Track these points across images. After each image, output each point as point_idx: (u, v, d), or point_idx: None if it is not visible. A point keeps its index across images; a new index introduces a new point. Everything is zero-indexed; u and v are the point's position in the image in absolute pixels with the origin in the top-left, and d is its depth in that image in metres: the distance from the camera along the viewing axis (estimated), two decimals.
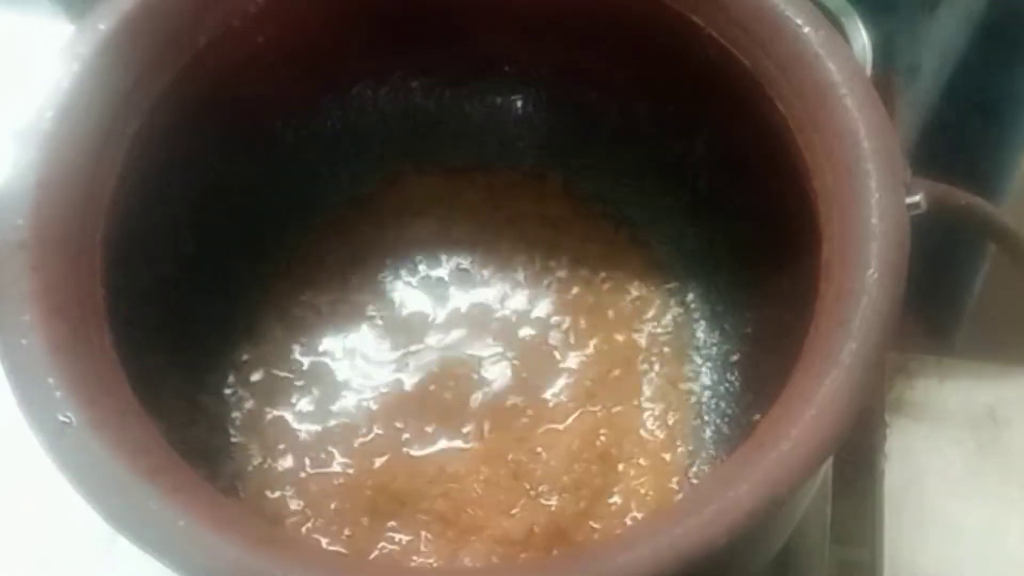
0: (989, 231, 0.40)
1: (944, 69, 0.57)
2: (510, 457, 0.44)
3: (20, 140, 0.35)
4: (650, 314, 0.47)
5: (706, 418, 0.45)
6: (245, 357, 0.46)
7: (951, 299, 0.71)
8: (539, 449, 0.44)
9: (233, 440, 0.44)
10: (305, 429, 0.44)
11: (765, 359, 0.42)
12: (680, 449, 0.44)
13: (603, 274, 0.48)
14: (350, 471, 0.43)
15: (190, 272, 0.43)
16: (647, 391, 0.45)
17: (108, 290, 0.35)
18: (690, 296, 0.47)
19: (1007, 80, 0.60)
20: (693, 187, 0.47)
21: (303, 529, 0.42)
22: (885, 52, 0.48)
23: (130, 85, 0.38)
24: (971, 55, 0.57)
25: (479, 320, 0.47)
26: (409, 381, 0.45)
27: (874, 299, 0.33)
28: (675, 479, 0.43)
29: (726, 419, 0.44)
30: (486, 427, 0.44)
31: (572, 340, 0.46)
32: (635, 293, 0.47)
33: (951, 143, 0.61)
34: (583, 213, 0.49)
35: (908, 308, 0.33)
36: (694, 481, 0.43)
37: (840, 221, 0.35)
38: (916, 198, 0.36)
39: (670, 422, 0.45)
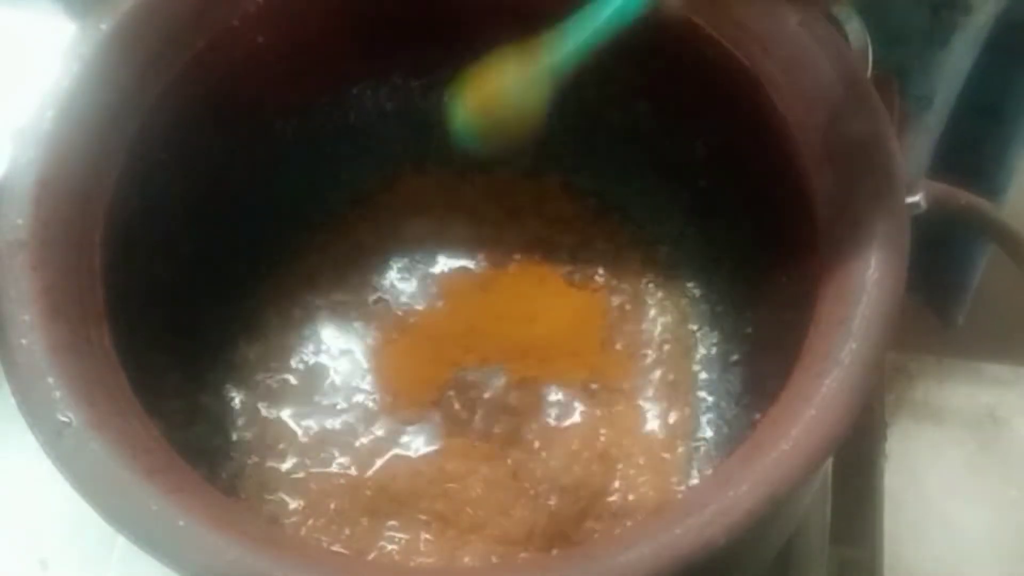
0: (989, 231, 0.40)
1: (953, 91, 0.58)
2: (510, 457, 0.44)
3: (21, 139, 0.35)
4: (650, 314, 0.47)
5: (706, 418, 0.45)
6: (245, 357, 0.46)
7: (954, 278, 0.72)
8: (539, 449, 0.44)
9: (233, 440, 0.44)
10: (305, 429, 0.44)
11: (765, 359, 0.42)
12: (680, 449, 0.44)
13: (603, 273, 0.48)
14: (350, 471, 0.43)
15: (190, 272, 0.43)
16: (647, 391, 0.45)
17: (108, 290, 0.35)
18: (690, 296, 0.47)
19: (1006, 83, 0.61)
20: (693, 187, 0.47)
21: (303, 529, 0.42)
22: (887, 82, 0.48)
23: (130, 85, 0.38)
24: (973, 68, 0.58)
25: (478, 319, 0.47)
26: (409, 381, 0.45)
27: (874, 299, 0.33)
28: (675, 479, 0.43)
29: (726, 419, 0.44)
30: (486, 427, 0.44)
31: (571, 340, 0.46)
32: (635, 292, 0.47)
33: (956, 148, 0.62)
34: (582, 212, 0.49)
35: (912, 290, 0.33)
36: (694, 481, 0.43)
37: (840, 221, 0.35)
38: (916, 198, 0.36)
39: (670, 422, 0.45)
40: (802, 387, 0.33)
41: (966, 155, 0.63)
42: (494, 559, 0.42)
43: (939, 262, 0.67)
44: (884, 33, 0.40)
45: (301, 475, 0.43)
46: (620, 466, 0.44)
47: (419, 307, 0.47)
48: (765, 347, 0.43)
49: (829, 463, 0.45)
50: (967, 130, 0.62)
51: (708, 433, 0.44)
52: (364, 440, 0.44)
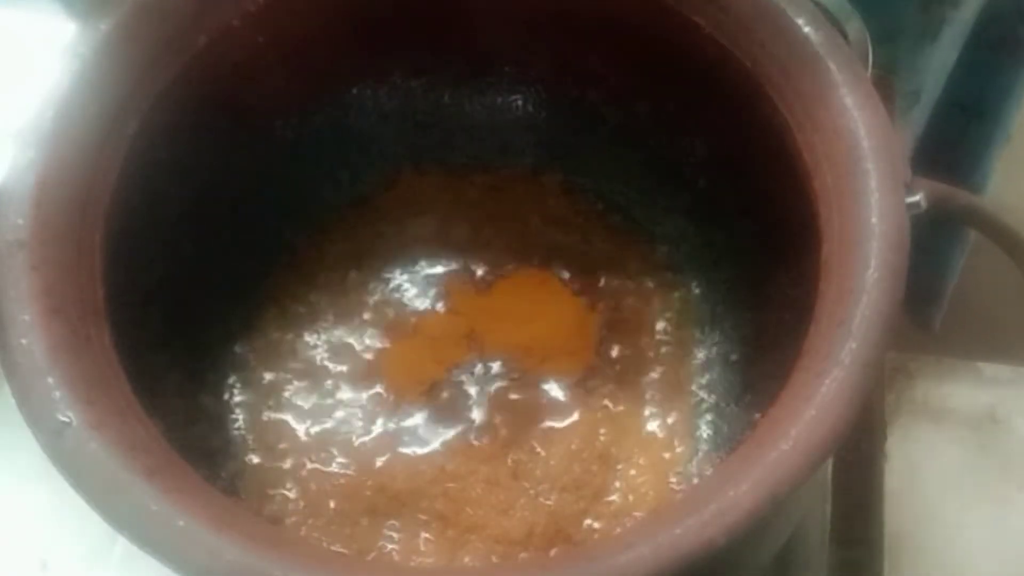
0: (989, 230, 0.40)
1: (937, 87, 0.58)
2: (510, 457, 0.44)
3: (20, 139, 0.35)
4: (650, 314, 0.47)
5: (706, 418, 0.45)
6: (245, 356, 0.46)
7: (931, 282, 0.72)
8: (539, 449, 0.44)
9: (233, 440, 0.44)
10: (305, 429, 0.44)
11: (765, 359, 0.42)
12: (680, 448, 0.44)
13: (602, 273, 0.48)
14: (350, 471, 0.43)
15: (190, 272, 0.43)
16: (647, 391, 0.45)
17: (108, 290, 0.35)
18: (690, 296, 0.47)
19: (988, 79, 0.60)
20: (693, 187, 0.47)
21: (303, 529, 0.42)
22: (887, 82, 0.48)
23: (130, 85, 0.38)
24: (956, 63, 0.58)
25: (478, 319, 0.47)
26: (408, 380, 0.45)
27: (874, 299, 0.33)
28: (675, 478, 0.43)
29: (726, 419, 0.44)
30: (486, 426, 0.44)
31: (571, 340, 0.46)
32: (635, 292, 0.47)
33: (936, 145, 0.62)
34: (582, 212, 0.49)
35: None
36: (694, 481, 0.43)
37: (840, 221, 0.35)
38: (916, 198, 0.36)
39: (670, 421, 0.45)
40: (802, 387, 0.33)
41: (945, 152, 0.62)
42: (494, 559, 0.42)
43: (915, 266, 0.68)
44: (876, 30, 0.40)
45: (301, 475, 0.43)
46: (620, 466, 0.44)
47: (419, 307, 0.47)
48: (765, 347, 0.43)
49: (829, 463, 0.45)
50: (947, 127, 0.61)
51: (708, 433, 0.44)
52: (364, 440, 0.44)
